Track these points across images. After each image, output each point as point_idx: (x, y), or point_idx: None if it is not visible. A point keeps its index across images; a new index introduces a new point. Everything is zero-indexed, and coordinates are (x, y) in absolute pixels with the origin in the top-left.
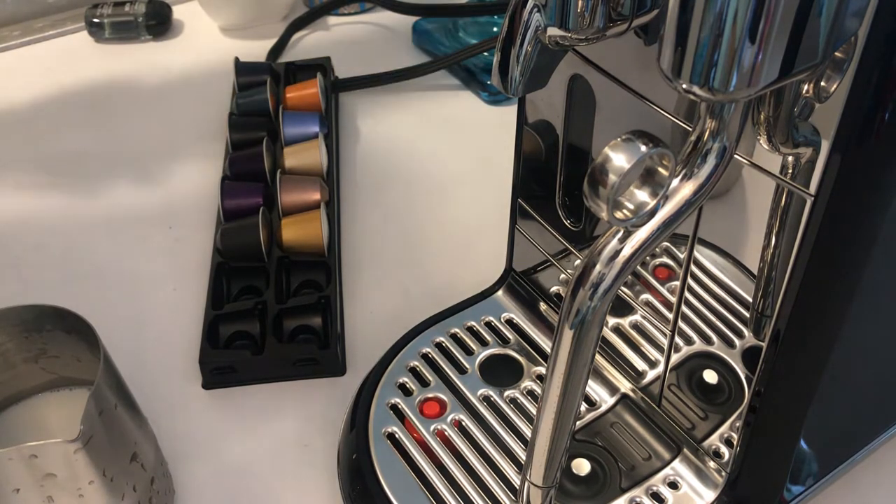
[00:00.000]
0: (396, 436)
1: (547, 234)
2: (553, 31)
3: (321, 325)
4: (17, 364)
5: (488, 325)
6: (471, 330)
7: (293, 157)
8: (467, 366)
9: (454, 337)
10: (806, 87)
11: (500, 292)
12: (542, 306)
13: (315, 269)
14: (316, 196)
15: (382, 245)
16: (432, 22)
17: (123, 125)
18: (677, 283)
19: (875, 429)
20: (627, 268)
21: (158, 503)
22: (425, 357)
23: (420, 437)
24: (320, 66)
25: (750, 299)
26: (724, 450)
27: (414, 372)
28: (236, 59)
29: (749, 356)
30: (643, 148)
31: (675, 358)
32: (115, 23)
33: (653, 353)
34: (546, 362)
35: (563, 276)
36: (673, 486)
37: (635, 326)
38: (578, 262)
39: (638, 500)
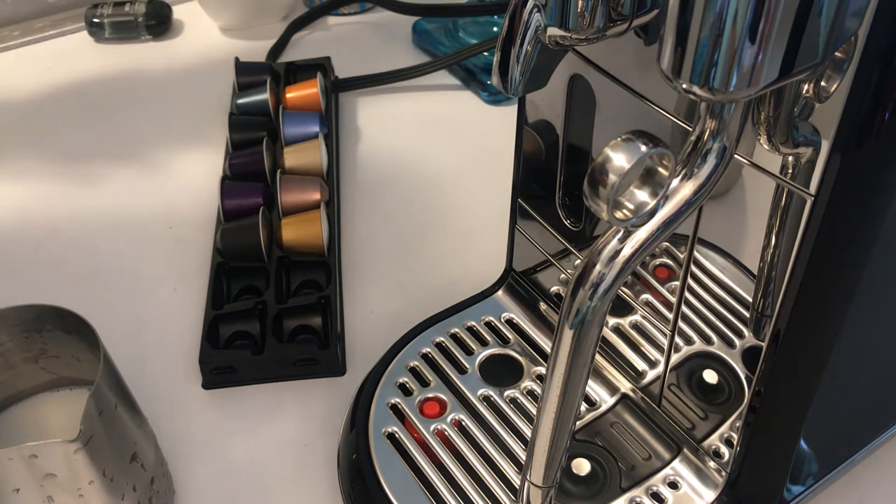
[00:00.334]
0: (396, 436)
1: (547, 234)
2: (553, 31)
3: (321, 325)
4: (17, 364)
5: (488, 325)
6: (471, 330)
7: (293, 157)
8: (467, 366)
9: (454, 337)
10: (806, 87)
11: (500, 292)
12: (542, 306)
13: (315, 269)
14: (316, 196)
15: (382, 245)
16: (432, 22)
17: (123, 125)
18: (677, 283)
19: (875, 429)
20: (627, 268)
21: (158, 503)
22: (425, 357)
23: (420, 437)
24: (320, 66)
25: (750, 299)
26: (724, 450)
27: (414, 372)
28: (236, 59)
29: (749, 356)
30: (643, 148)
31: (675, 358)
32: (115, 23)
33: (653, 353)
34: (546, 362)
35: (563, 276)
36: (673, 486)
37: (635, 326)
38: (578, 262)
39: (638, 500)
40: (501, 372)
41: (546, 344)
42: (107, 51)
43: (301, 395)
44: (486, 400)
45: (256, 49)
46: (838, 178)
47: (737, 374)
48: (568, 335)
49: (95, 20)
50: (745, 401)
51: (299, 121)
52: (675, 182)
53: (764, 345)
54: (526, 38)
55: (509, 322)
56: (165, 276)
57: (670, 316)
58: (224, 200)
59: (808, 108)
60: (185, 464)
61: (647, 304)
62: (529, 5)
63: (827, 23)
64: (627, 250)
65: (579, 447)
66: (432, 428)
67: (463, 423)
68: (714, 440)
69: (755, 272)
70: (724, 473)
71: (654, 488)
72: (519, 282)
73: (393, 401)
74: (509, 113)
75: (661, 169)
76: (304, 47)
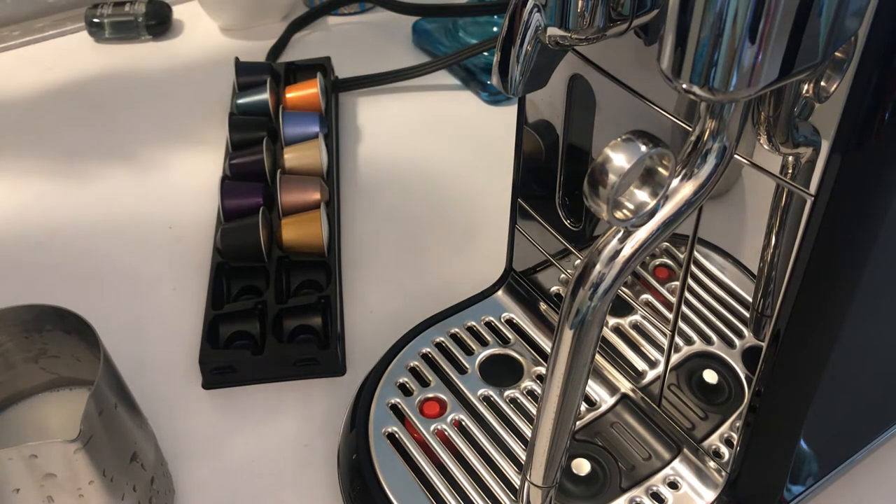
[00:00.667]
0: (396, 436)
1: (547, 234)
2: (553, 31)
3: (321, 325)
4: (17, 364)
5: (488, 325)
6: (471, 330)
7: (293, 157)
8: (467, 366)
9: (454, 337)
10: (806, 87)
11: (500, 292)
12: (542, 306)
13: (315, 269)
14: (316, 196)
15: (382, 245)
16: (432, 22)
17: (123, 125)
18: (677, 283)
19: (875, 429)
20: (627, 268)
21: (158, 503)
22: (425, 357)
23: (420, 437)
24: (320, 66)
25: (750, 299)
26: (724, 450)
27: (414, 372)
28: (236, 59)
29: (749, 356)
30: (643, 148)
31: (675, 358)
32: (115, 23)
33: (653, 353)
34: (546, 362)
35: (563, 276)
36: (673, 486)
37: (635, 326)
38: (578, 262)
39: (638, 500)
40: (501, 372)
41: (546, 344)
42: (107, 51)
43: (301, 395)
44: (486, 400)
45: (256, 49)
46: (838, 178)
47: (737, 374)
48: (568, 335)
49: (95, 20)
50: (745, 401)
51: (299, 121)
52: (675, 182)
53: (764, 345)
54: (526, 38)
55: (509, 322)
56: (165, 276)
57: (670, 316)
58: (224, 200)
59: (808, 108)
60: (185, 464)
61: (647, 304)
62: (529, 5)
63: (827, 23)
64: (627, 250)
65: (579, 447)
66: (432, 428)
67: (463, 423)
68: (714, 440)
69: (755, 272)
70: (724, 473)
71: (654, 488)
72: (519, 282)
73: (393, 401)
74: (509, 113)
75: (661, 169)
76: (304, 47)
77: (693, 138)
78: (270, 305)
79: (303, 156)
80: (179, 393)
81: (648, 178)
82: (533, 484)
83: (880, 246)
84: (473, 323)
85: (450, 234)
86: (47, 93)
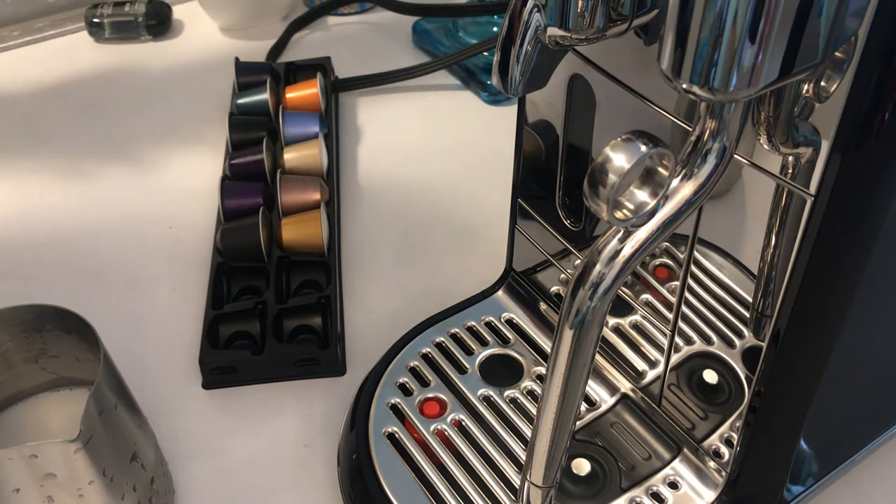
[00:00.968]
0: (396, 436)
1: (547, 234)
2: (553, 31)
3: (321, 325)
4: (17, 364)
5: (488, 325)
6: (471, 330)
7: (293, 157)
8: (467, 366)
9: (454, 337)
10: (806, 87)
11: (500, 292)
12: (542, 306)
13: (315, 269)
14: (316, 196)
15: (382, 245)
16: (432, 22)
17: (123, 125)
18: (677, 283)
19: (875, 429)
20: (627, 268)
21: (158, 503)
22: (425, 357)
23: (420, 437)
24: (320, 66)
25: (750, 299)
26: (724, 450)
27: (414, 372)
28: (236, 59)
29: (749, 356)
30: (643, 148)
31: (675, 358)
32: (115, 23)
33: (653, 353)
34: (546, 362)
35: (563, 276)
36: (673, 486)
37: (635, 326)
38: (578, 262)
39: (638, 500)
40: (501, 372)
41: (546, 344)
42: (107, 51)
43: (301, 395)
44: (486, 400)
45: (256, 49)
46: (838, 178)
47: (737, 374)
48: (568, 335)
49: (95, 20)
50: (745, 401)
51: (299, 121)
52: (675, 182)
53: (764, 345)
54: (526, 39)
55: (509, 322)
56: (165, 276)
57: (670, 316)
58: (224, 200)
59: (808, 108)
60: (185, 464)
61: (647, 304)
62: (529, 5)
63: (827, 23)
64: (627, 250)
65: (579, 447)
66: (432, 428)
67: (463, 423)
68: (714, 440)
69: (755, 272)
70: (724, 473)
71: (654, 488)
72: (519, 282)
73: (393, 401)
74: (509, 113)
75: (661, 169)
76: (304, 47)
77: (693, 138)
78: (270, 305)
79: (303, 156)
80: (179, 393)
81: (648, 178)
82: (533, 484)
83: (880, 246)
84: (473, 323)
85: (450, 234)
86: (47, 93)
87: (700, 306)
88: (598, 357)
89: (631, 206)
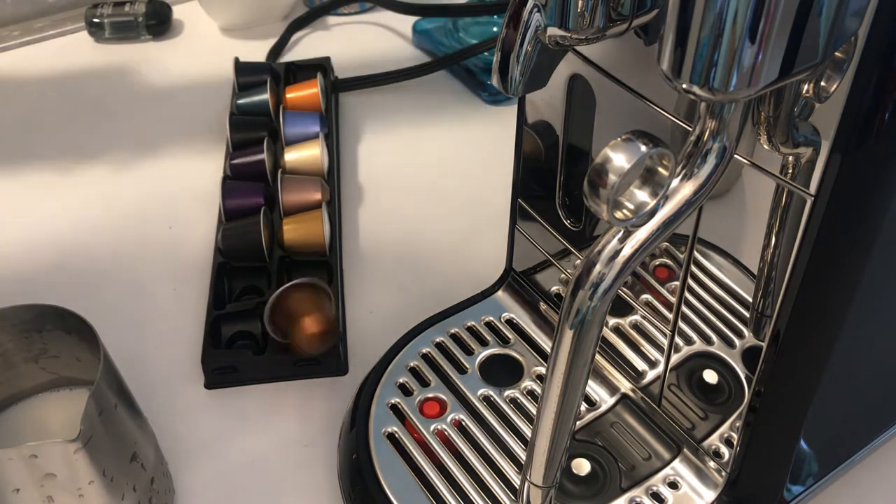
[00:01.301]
0: (396, 436)
1: (547, 234)
2: (553, 31)
3: None
4: (17, 364)
5: (488, 325)
6: (471, 330)
7: (294, 157)
8: (467, 366)
9: (454, 337)
10: (806, 87)
11: (500, 292)
12: (542, 306)
13: (316, 269)
14: (317, 196)
15: (383, 245)
16: (432, 22)
17: (123, 125)
18: (677, 283)
19: (875, 429)
20: (627, 268)
21: (158, 503)
22: (425, 357)
23: (420, 437)
24: (320, 66)
25: (750, 299)
26: (724, 450)
27: (414, 372)
28: (236, 59)
29: (749, 356)
30: (643, 148)
31: (675, 358)
32: (115, 23)
33: (653, 353)
34: (546, 362)
35: (563, 276)
36: (673, 486)
37: (635, 326)
38: (578, 262)
39: (638, 500)
40: (501, 372)
41: (546, 344)
42: (107, 51)
43: (302, 394)
44: (486, 400)
45: (256, 49)
46: (838, 178)
47: (737, 374)
48: (568, 335)
49: (95, 20)
50: (745, 401)
51: (300, 121)
52: (675, 182)
53: (764, 345)
54: (526, 38)
55: (509, 322)
56: (166, 276)
57: (670, 316)
58: (225, 200)
59: (808, 108)
60: (185, 464)
61: (647, 304)
62: (529, 5)
63: (827, 23)
64: (627, 250)
65: (579, 447)
66: (432, 428)
67: (463, 423)
68: (714, 440)
69: (755, 272)
70: (724, 473)
71: (654, 488)
72: (519, 282)
73: (393, 401)
74: (509, 113)
75: (661, 169)
76: (304, 47)
77: (693, 138)
78: None
79: (303, 156)
80: (180, 393)
81: (648, 178)
82: (533, 484)
83: (880, 246)
84: (473, 323)
85: (450, 234)
86: (47, 93)
87: (700, 306)
88: (598, 357)
89: (631, 206)
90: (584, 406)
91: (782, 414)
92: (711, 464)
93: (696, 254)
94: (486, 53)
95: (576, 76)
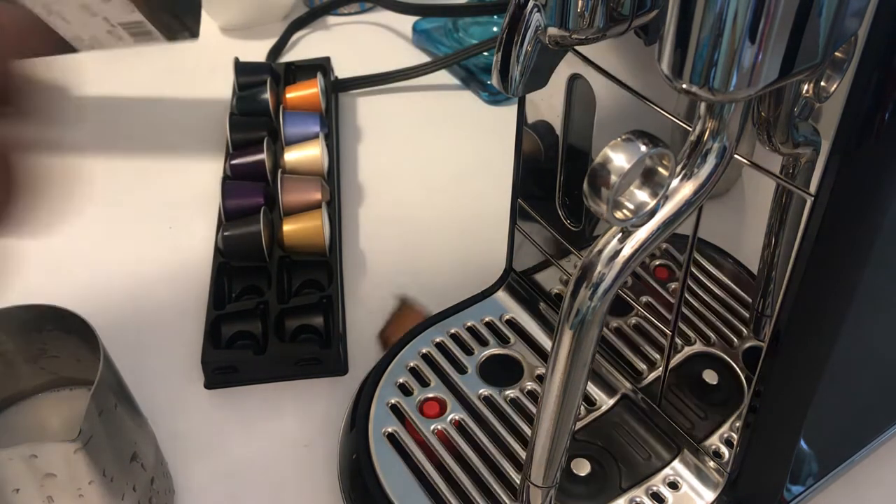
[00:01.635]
0: (396, 436)
1: (547, 234)
2: (553, 31)
3: (323, 325)
4: (17, 364)
5: (488, 325)
6: (471, 330)
7: (294, 157)
8: (467, 366)
9: (454, 337)
10: (806, 87)
11: (500, 292)
12: (542, 306)
13: (316, 269)
14: (317, 196)
15: (383, 244)
16: (432, 22)
17: (123, 125)
18: (677, 284)
19: (875, 429)
20: (627, 268)
21: (158, 503)
22: (425, 357)
23: (420, 437)
24: (320, 66)
25: (750, 299)
26: (724, 450)
27: (414, 372)
28: (236, 59)
29: (749, 356)
30: (643, 148)
31: (675, 358)
32: None
33: (653, 353)
34: (546, 362)
35: (563, 276)
36: (673, 486)
37: (635, 326)
38: (578, 262)
39: (638, 500)
40: (501, 372)
41: (546, 344)
42: (107, 50)
43: (303, 394)
44: (486, 400)
45: (256, 49)
46: (838, 178)
47: (737, 374)
48: (568, 335)
49: None
50: (745, 401)
51: (299, 121)
52: (675, 182)
53: (764, 345)
54: (526, 38)
55: (509, 322)
56: (166, 276)
57: (670, 316)
58: (225, 200)
59: (808, 108)
60: (185, 464)
61: (647, 304)
62: (529, 5)
63: (827, 23)
64: (627, 250)
65: (579, 447)
66: (432, 428)
67: (463, 423)
68: (714, 440)
69: (755, 272)
70: (724, 473)
71: (654, 488)
72: (519, 282)
73: (393, 401)
74: (509, 113)
75: (661, 169)
76: (304, 47)
77: (693, 138)
78: (272, 305)
79: (303, 156)
80: (180, 393)
81: (648, 178)
82: (533, 484)
83: (880, 246)
84: (473, 323)
85: (450, 234)
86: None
87: (700, 306)
88: (598, 357)
89: (631, 206)
90: (584, 406)
91: (782, 414)
92: (711, 464)
93: (696, 254)
94: (486, 53)
95: (576, 76)
